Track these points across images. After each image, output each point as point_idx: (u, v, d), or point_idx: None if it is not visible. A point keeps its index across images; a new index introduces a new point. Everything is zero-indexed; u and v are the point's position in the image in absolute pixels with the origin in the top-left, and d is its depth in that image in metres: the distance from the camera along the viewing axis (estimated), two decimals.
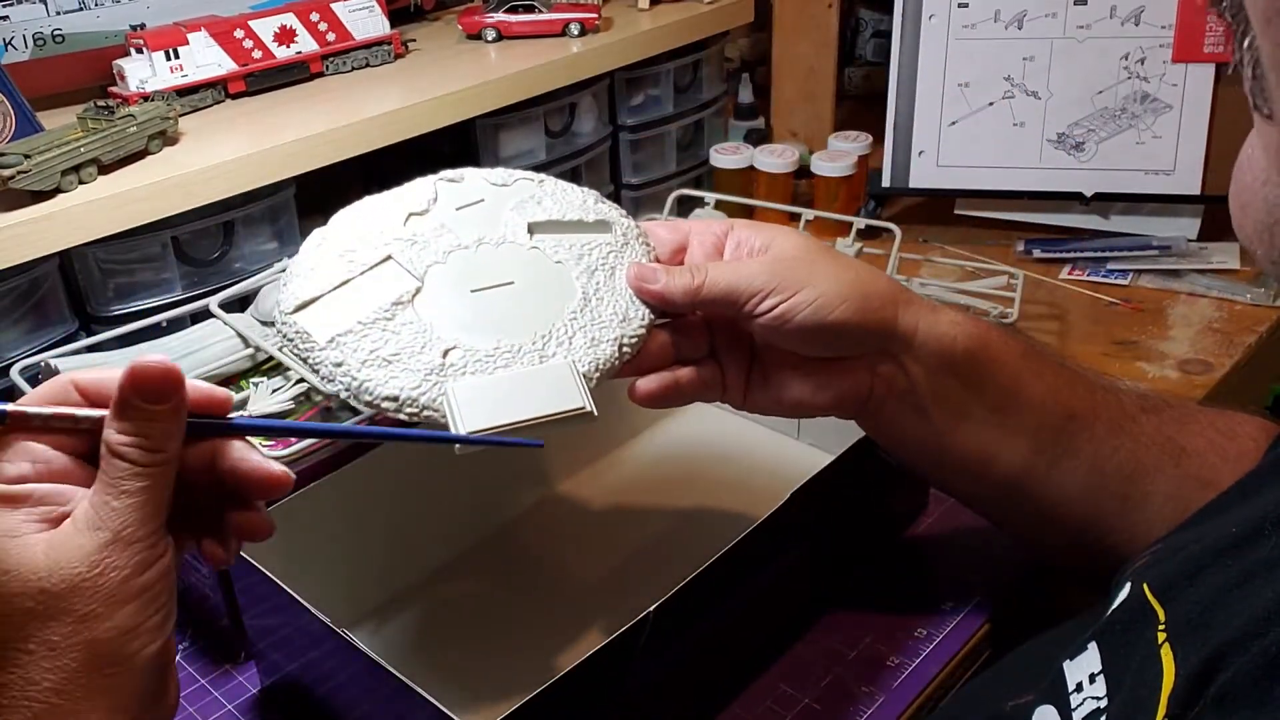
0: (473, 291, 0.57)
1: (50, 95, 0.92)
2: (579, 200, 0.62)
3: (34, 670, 0.39)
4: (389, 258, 0.57)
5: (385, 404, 0.52)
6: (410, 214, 0.60)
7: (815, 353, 0.58)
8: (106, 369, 0.43)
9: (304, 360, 0.54)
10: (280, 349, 0.66)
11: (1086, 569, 0.59)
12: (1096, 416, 0.58)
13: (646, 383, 0.57)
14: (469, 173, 0.63)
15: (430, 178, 0.62)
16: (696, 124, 1.25)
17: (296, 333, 0.54)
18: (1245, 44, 0.35)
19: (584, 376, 0.54)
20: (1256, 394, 1.11)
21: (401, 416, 0.52)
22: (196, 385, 0.44)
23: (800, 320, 0.55)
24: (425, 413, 0.52)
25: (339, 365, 0.53)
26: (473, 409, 0.51)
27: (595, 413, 0.53)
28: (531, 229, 0.60)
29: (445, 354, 0.54)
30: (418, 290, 0.56)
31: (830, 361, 0.58)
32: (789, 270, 0.56)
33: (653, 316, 0.58)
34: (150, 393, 0.41)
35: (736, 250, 0.59)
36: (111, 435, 0.41)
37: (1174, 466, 0.57)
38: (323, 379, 0.53)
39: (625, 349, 0.56)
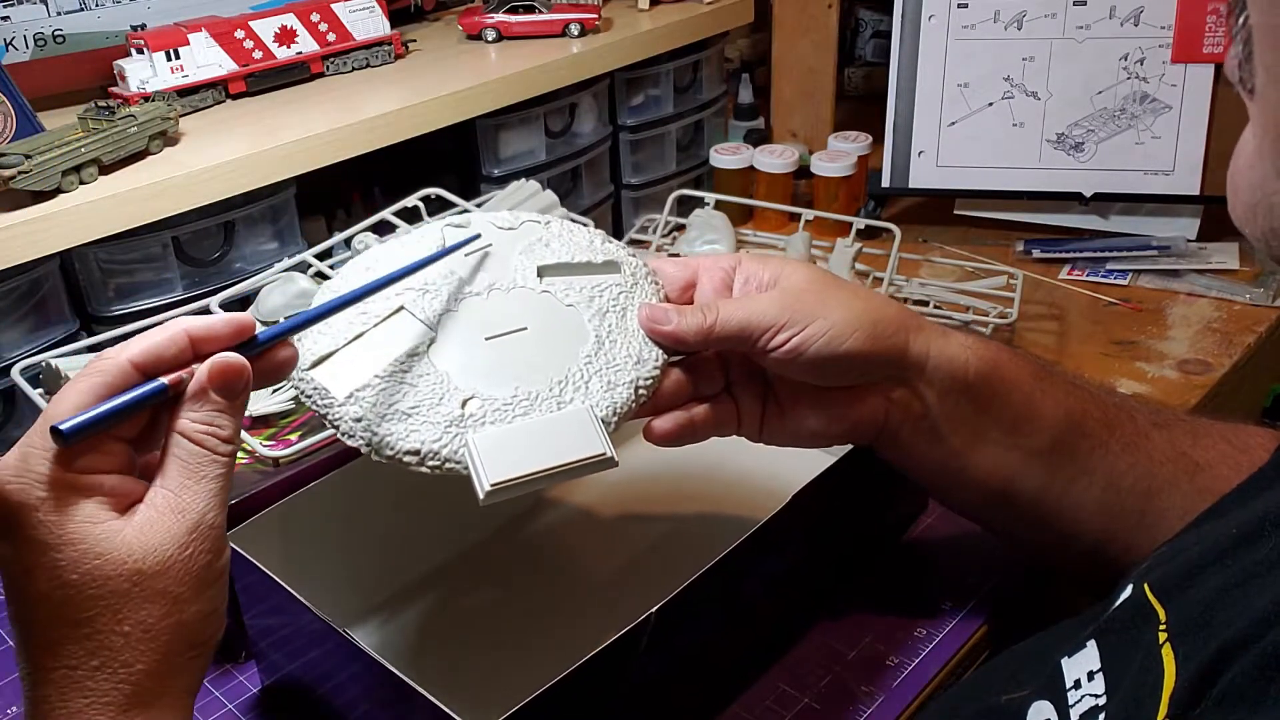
0: (487, 339, 0.56)
1: (51, 95, 0.92)
2: (586, 241, 0.62)
3: (129, 653, 0.40)
4: (401, 308, 0.57)
5: (407, 458, 0.52)
6: None
7: (829, 383, 0.58)
8: (212, 319, 0.45)
9: (323, 417, 0.54)
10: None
11: (1101, 583, 0.59)
12: (1110, 434, 0.59)
13: (662, 423, 0.57)
14: (475, 217, 0.63)
15: (437, 224, 0.62)
16: (696, 124, 1.25)
17: (314, 389, 0.54)
18: (1240, 21, 0.37)
19: (603, 422, 0.54)
20: (1255, 394, 1.11)
21: (423, 470, 0.52)
22: (225, 320, 0.46)
23: (814, 352, 0.55)
24: (447, 465, 0.52)
25: (358, 420, 0.52)
26: (494, 460, 0.51)
27: (616, 459, 0.53)
28: (541, 272, 0.60)
29: (464, 404, 0.53)
30: (432, 340, 0.56)
31: (845, 391, 0.59)
32: (799, 303, 0.56)
33: (666, 356, 0.58)
34: (229, 389, 0.44)
35: (745, 285, 0.59)
36: (189, 424, 0.43)
37: (1188, 481, 0.57)
38: (343, 434, 0.53)
39: (641, 391, 0.56)
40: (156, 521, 0.41)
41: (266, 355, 0.47)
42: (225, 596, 0.44)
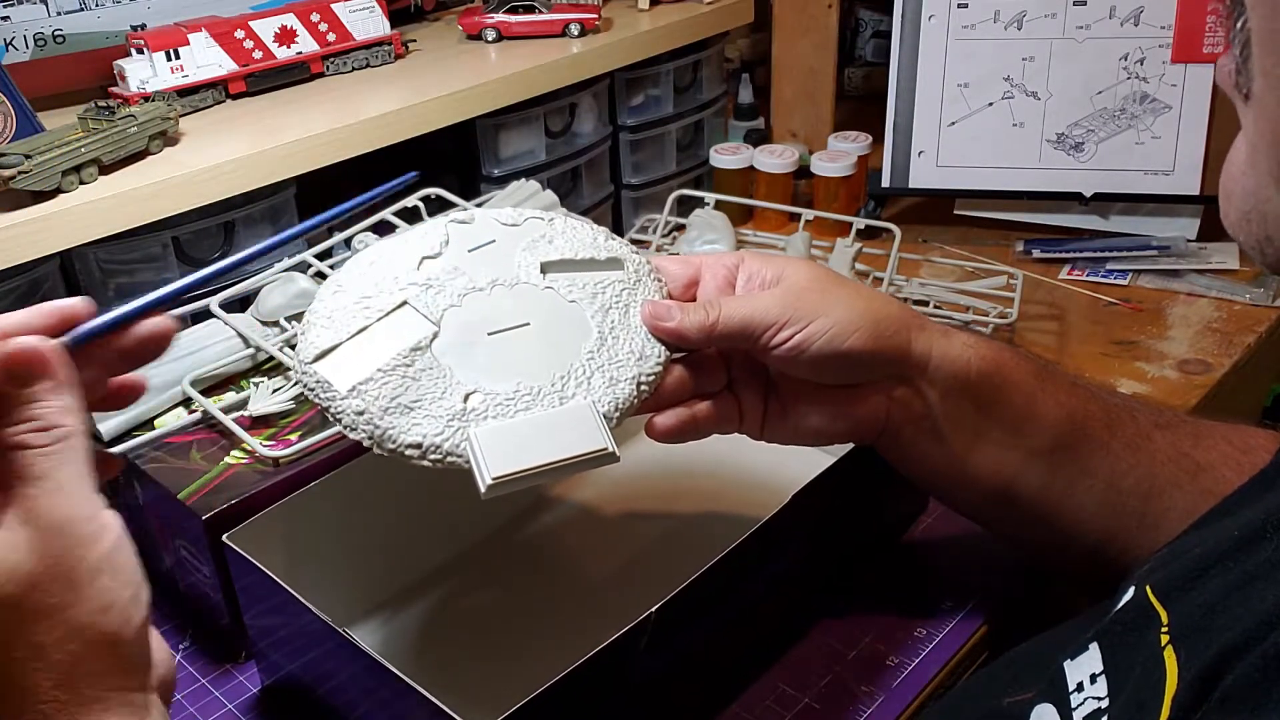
0: (490, 334, 0.57)
1: (51, 95, 0.92)
2: (589, 238, 0.62)
3: (29, 678, 0.38)
4: (405, 303, 0.57)
5: (409, 451, 0.52)
6: (423, 258, 0.59)
7: (831, 381, 0.58)
8: (27, 310, 0.42)
9: (325, 409, 0.54)
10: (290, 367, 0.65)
11: (1102, 584, 0.59)
12: (1112, 435, 0.59)
13: (664, 419, 0.57)
14: (479, 214, 0.63)
15: (441, 220, 0.62)
16: (696, 124, 1.25)
17: (317, 382, 0.54)
18: (1239, 25, 0.37)
19: (605, 417, 0.54)
20: (1256, 394, 1.11)
21: (425, 464, 0.52)
22: (45, 310, 0.42)
23: (816, 350, 0.55)
24: (449, 459, 0.52)
25: (361, 414, 0.52)
26: (496, 454, 0.51)
27: (618, 454, 0.53)
28: (544, 269, 0.60)
29: (466, 398, 0.53)
30: (435, 335, 0.56)
31: (846, 389, 0.59)
32: (802, 301, 0.56)
33: (669, 353, 0.58)
34: (20, 376, 0.40)
35: (748, 283, 0.60)
36: (4, 434, 0.39)
37: (1190, 482, 0.58)
38: (345, 427, 0.53)
39: (643, 387, 0.56)
40: (8, 538, 0.38)
41: (147, 333, 0.44)
42: (128, 582, 0.40)
